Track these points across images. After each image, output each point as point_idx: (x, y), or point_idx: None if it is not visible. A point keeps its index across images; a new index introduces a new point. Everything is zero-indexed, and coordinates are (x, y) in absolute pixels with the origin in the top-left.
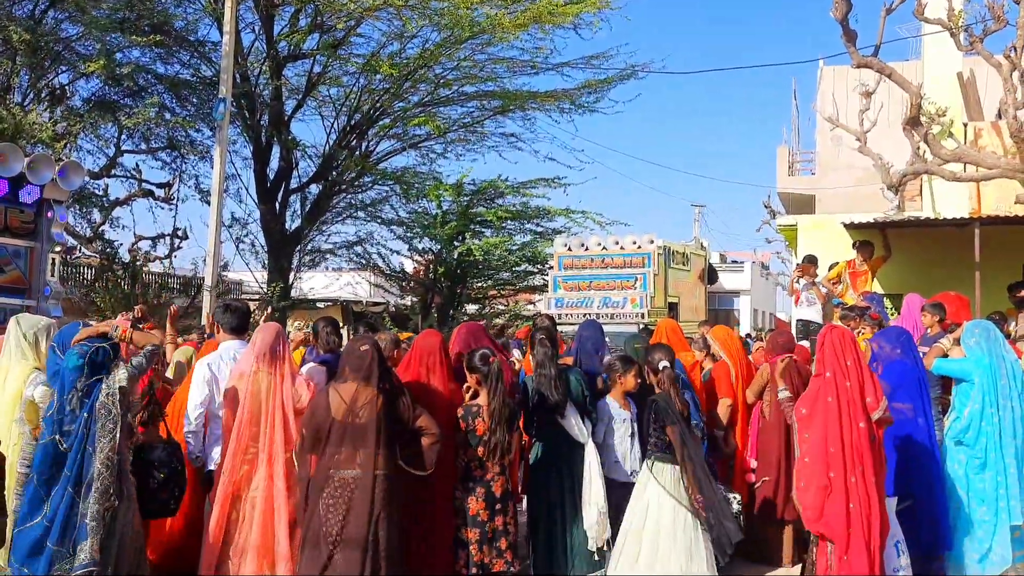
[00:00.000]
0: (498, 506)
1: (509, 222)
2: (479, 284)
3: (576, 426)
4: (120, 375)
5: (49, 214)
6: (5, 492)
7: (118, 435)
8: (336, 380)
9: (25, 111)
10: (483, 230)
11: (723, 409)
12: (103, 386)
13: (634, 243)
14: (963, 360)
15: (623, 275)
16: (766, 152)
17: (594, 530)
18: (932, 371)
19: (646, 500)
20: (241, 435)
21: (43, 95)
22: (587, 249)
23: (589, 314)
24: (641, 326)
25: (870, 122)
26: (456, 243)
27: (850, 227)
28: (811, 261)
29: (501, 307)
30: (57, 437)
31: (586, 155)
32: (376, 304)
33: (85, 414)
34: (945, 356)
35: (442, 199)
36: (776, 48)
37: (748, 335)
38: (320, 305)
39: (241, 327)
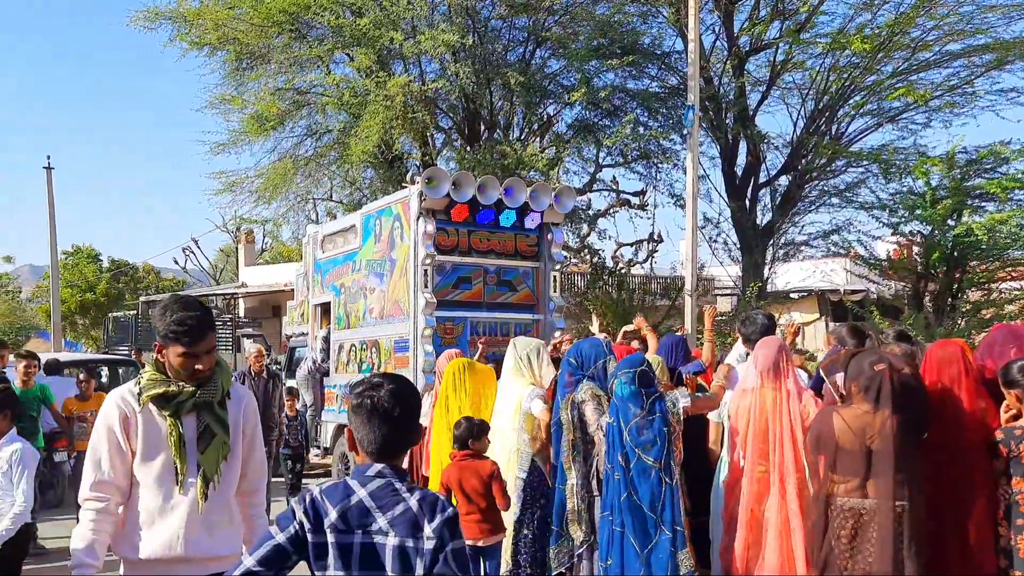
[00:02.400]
0: None
1: (1018, 192)
2: (983, 267)
3: None
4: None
5: (549, 236)
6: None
7: None
8: (844, 400)
9: (524, 145)
10: (984, 204)
11: None
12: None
13: None
14: None
15: None
16: None
17: None
18: None
19: None
20: (752, 454)
21: (534, 127)
22: None
23: None
24: None
25: None
26: (950, 222)
27: None
28: None
29: (1014, 291)
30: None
31: None
32: (854, 292)
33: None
34: None
35: (930, 175)
36: None
37: None
38: (794, 296)
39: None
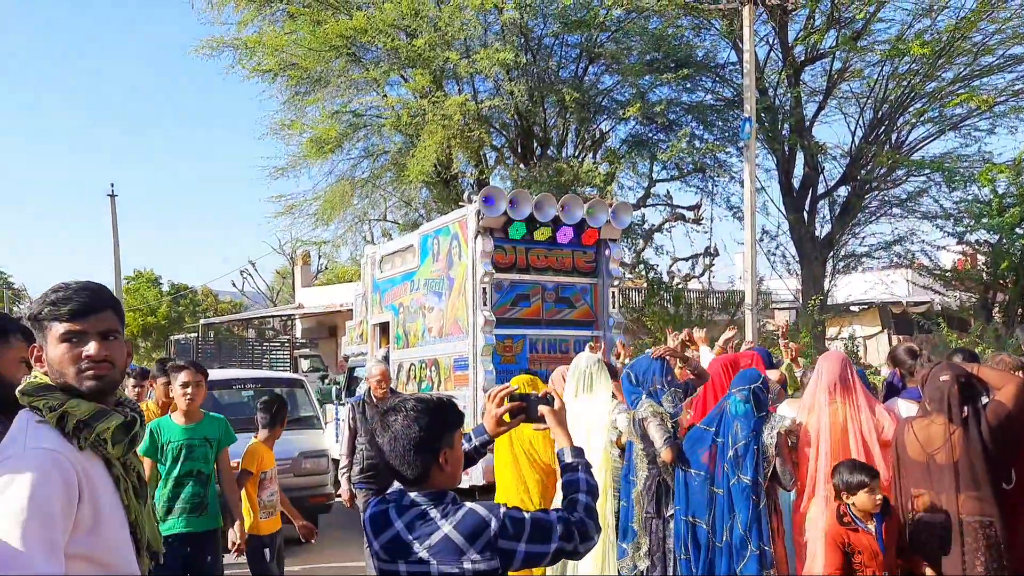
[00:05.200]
0: None
1: None
2: None
3: None
4: None
5: (607, 252)
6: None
7: None
8: (917, 413)
9: (580, 161)
10: None
11: None
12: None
13: None
14: None
15: None
16: None
17: None
18: None
19: None
20: (825, 473)
21: (587, 143)
22: None
23: None
24: None
25: None
26: (1019, 230)
27: None
28: None
29: None
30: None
31: None
32: (917, 304)
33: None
34: None
35: (996, 182)
36: None
37: None
38: (854, 309)
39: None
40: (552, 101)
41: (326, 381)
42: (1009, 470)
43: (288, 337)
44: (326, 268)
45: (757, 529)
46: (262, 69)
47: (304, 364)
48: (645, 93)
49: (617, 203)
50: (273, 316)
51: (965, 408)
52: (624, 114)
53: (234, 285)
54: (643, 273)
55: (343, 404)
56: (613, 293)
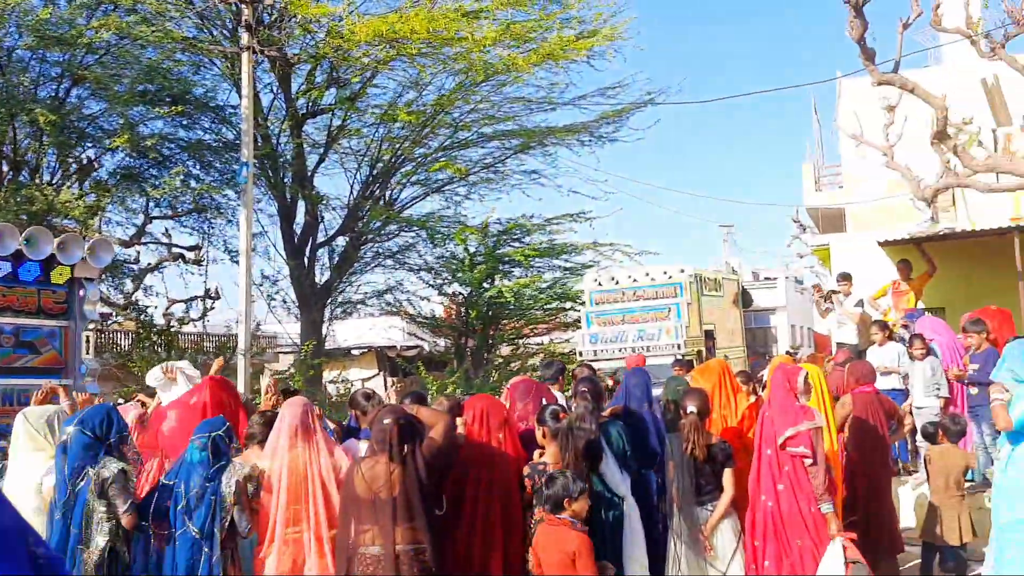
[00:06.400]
0: None
1: (537, 260)
2: (511, 324)
3: (613, 479)
4: None
5: (81, 292)
6: None
7: None
8: (365, 454)
9: (56, 190)
10: (512, 270)
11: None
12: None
13: (665, 273)
14: (1018, 399)
15: (656, 307)
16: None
17: None
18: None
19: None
20: (284, 517)
21: (71, 171)
22: (617, 283)
23: (624, 348)
24: (678, 357)
25: (895, 136)
26: (486, 285)
27: (885, 244)
28: (846, 278)
29: (536, 346)
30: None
31: (610, 185)
32: (410, 348)
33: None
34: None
35: (468, 242)
36: (794, 63)
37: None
38: (355, 353)
39: None
40: (23, 121)
41: None
42: (440, 498)
43: None
44: None
45: None
46: None
47: None
48: (136, 124)
49: (97, 239)
50: None
51: (405, 447)
52: (111, 144)
53: None
54: (135, 315)
55: None
56: (88, 337)
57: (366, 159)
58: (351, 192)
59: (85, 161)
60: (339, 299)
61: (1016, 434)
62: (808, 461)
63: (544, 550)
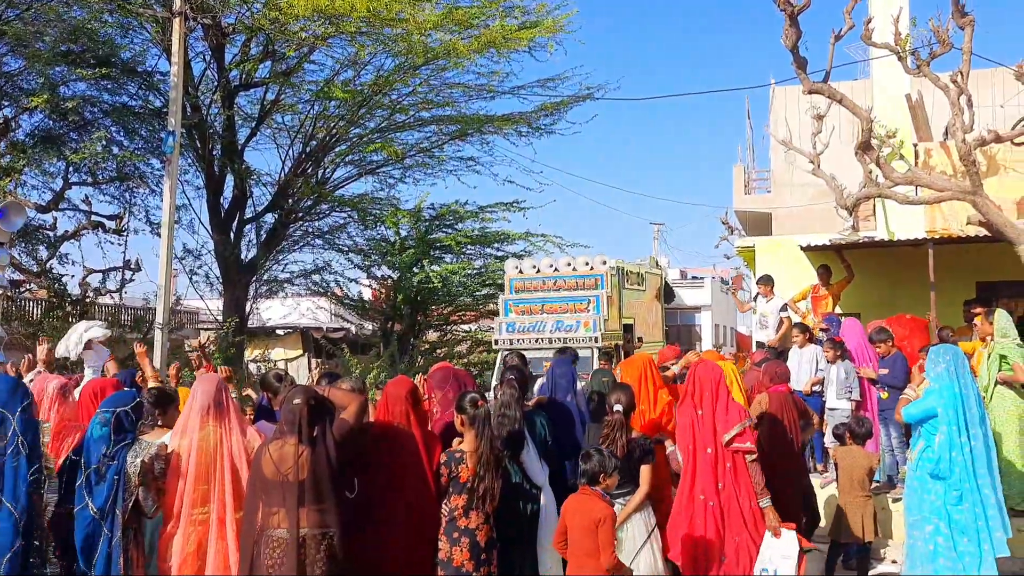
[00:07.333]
0: (483, 556)
1: (469, 247)
2: (439, 310)
3: (533, 469)
4: None
5: None
6: None
7: None
8: (273, 435)
9: None
10: (443, 256)
11: None
12: None
13: (587, 264)
14: (926, 397)
15: (575, 298)
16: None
17: (551, 572)
18: (904, 421)
19: None
20: (191, 498)
21: None
22: (539, 271)
23: (541, 338)
24: (604, 350)
25: (823, 144)
26: (415, 270)
27: (807, 249)
28: (767, 281)
29: (462, 332)
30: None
31: (545, 177)
32: (336, 330)
33: None
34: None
35: (400, 225)
36: (729, 66)
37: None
38: (280, 333)
39: None
40: None
41: None
42: (352, 480)
43: None
44: None
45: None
46: None
47: None
48: (57, 85)
49: (9, 201)
50: None
51: (315, 428)
52: (30, 104)
53: None
54: (48, 284)
55: None
56: None
57: (299, 136)
58: (282, 168)
59: (1, 120)
60: (265, 277)
61: (927, 434)
62: (751, 457)
63: (573, 515)
